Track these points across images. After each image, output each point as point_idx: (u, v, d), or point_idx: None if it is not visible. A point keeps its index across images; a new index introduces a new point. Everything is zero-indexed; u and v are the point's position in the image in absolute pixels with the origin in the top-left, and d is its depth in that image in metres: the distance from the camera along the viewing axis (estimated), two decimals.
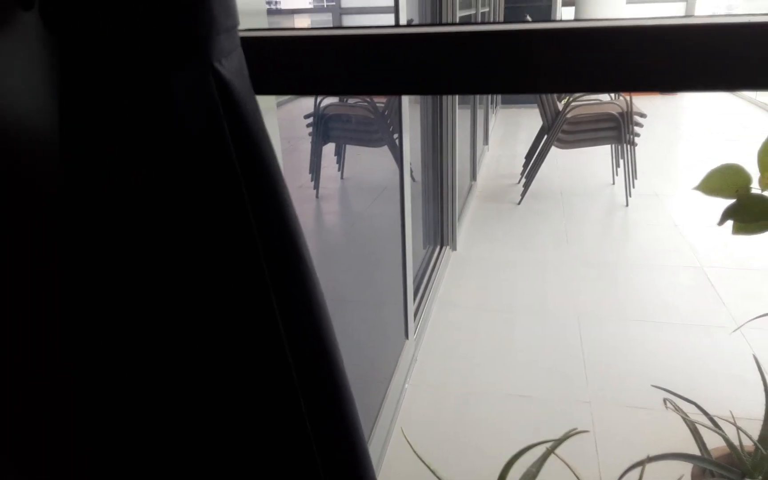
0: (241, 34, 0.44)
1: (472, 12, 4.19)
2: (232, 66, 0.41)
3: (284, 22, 2.18)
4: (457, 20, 3.04)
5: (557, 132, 4.14)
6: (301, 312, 0.46)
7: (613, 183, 4.59)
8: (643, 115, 4.22)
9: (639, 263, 3.29)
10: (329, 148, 2.33)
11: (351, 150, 2.39)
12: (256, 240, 0.42)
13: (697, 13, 7.38)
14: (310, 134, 2.34)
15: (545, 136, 4.29)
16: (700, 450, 1.48)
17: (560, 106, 4.24)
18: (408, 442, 1.97)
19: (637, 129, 4.16)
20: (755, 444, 1.43)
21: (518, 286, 3.08)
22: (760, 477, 1.38)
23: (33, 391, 0.43)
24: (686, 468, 1.62)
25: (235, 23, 0.41)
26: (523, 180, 4.48)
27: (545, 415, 2.13)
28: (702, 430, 1.49)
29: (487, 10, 4.98)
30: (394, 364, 2.22)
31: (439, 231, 3.38)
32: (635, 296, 2.93)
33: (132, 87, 0.37)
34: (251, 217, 0.41)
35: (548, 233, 3.74)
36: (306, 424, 0.46)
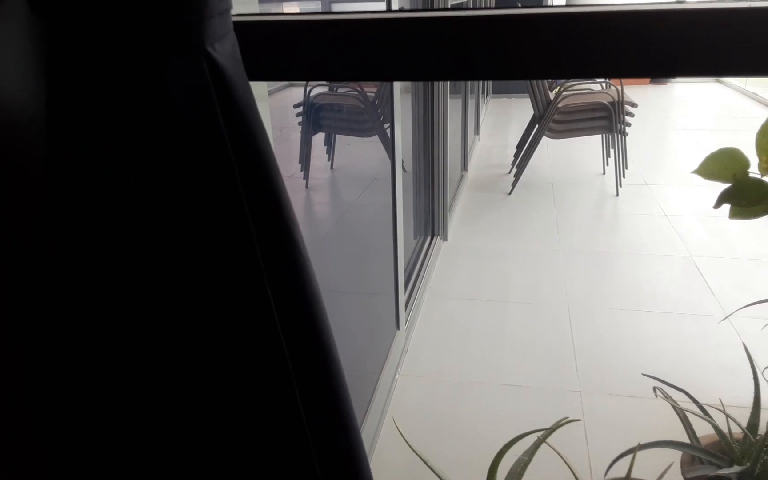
0: (233, 18, 0.43)
1: (464, 1, 4.17)
2: (225, 50, 0.40)
3: (273, 8, 2.16)
4: (449, 6, 3.03)
5: (548, 121, 4.14)
6: (296, 300, 0.45)
7: (604, 173, 4.60)
8: (634, 105, 4.23)
9: (629, 253, 3.31)
10: (319, 138, 2.32)
11: (341, 140, 2.37)
12: (251, 227, 0.41)
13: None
14: (299, 124, 2.33)
15: (536, 126, 4.29)
16: (690, 438, 1.49)
17: (551, 95, 4.24)
18: (400, 432, 1.97)
19: (627, 119, 4.17)
20: (744, 431, 1.44)
21: (509, 276, 3.09)
22: (749, 463, 1.39)
23: (20, 391, 0.42)
24: (676, 455, 1.63)
25: (228, 6, 0.40)
26: (514, 170, 4.48)
27: (536, 405, 2.14)
28: (691, 418, 1.51)
29: None
30: (385, 355, 2.22)
31: (430, 221, 3.38)
32: (625, 285, 2.95)
33: (122, 71, 0.36)
34: (245, 203, 0.41)
35: (539, 223, 3.75)
36: (301, 413, 0.46)
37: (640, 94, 7.40)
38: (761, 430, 1.47)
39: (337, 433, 0.50)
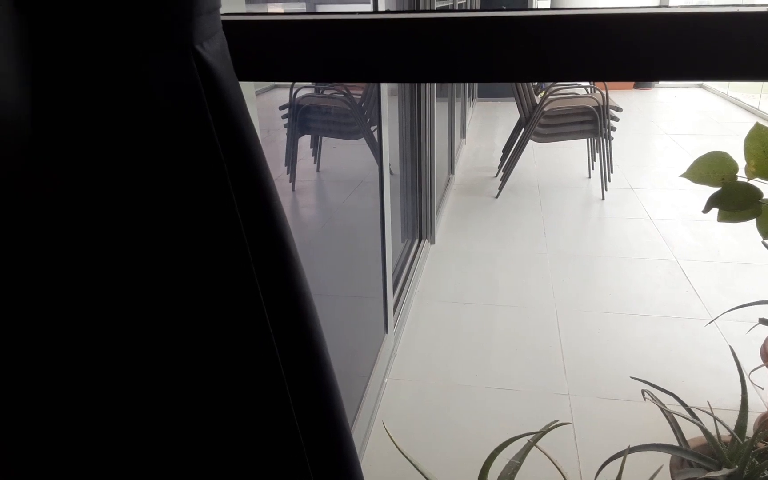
0: (222, 17, 0.42)
1: (450, 3, 4.18)
2: (214, 49, 0.39)
3: (257, 10, 2.15)
4: (435, 8, 3.03)
5: (534, 125, 4.16)
6: (287, 300, 0.44)
7: (590, 176, 4.63)
8: (619, 109, 4.26)
9: (615, 256, 3.33)
10: (305, 140, 2.31)
11: (327, 142, 2.36)
12: (241, 227, 0.40)
13: (671, 4, 7.50)
14: (285, 126, 2.32)
15: (522, 130, 4.30)
16: (679, 440, 1.50)
17: (537, 99, 4.26)
18: (389, 435, 1.96)
19: (612, 123, 4.20)
20: (732, 434, 1.45)
21: (496, 279, 3.09)
22: (737, 466, 1.40)
23: (4, 391, 0.41)
24: (665, 459, 1.63)
25: (217, 5, 0.40)
26: (501, 173, 4.49)
27: (525, 408, 2.14)
28: (680, 421, 1.51)
29: (463, 1, 4.98)
30: (374, 358, 2.21)
31: (418, 224, 3.38)
32: (612, 289, 2.96)
33: (109, 67, 0.35)
34: (235, 204, 0.40)
35: (526, 226, 3.76)
36: (293, 415, 0.45)
37: (624, 98, 7.47)
38: (749, 432, 1.47)
39: (329, 435, 0.50)
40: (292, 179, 2.13)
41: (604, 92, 4.17)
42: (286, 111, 2.36)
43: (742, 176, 0.96)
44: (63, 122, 0.37)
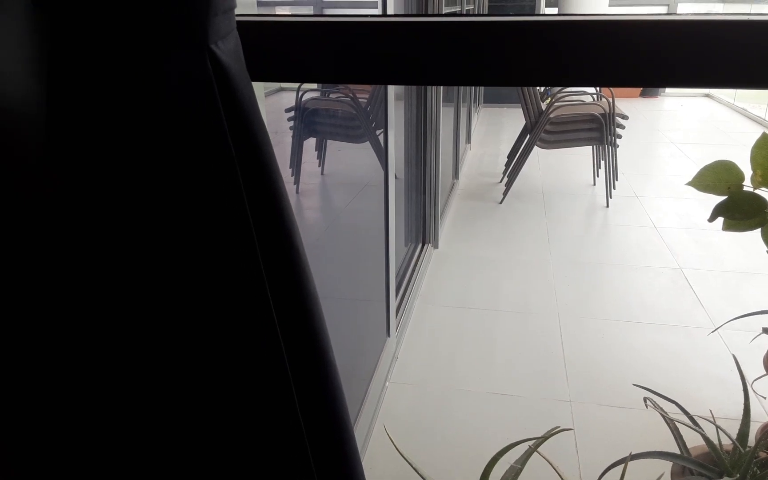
0: (236, 18, 0.43)
1: (457, 8, 4.19)
2: (229, 48, 0.40)
3: (264, 11, 2.16)
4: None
5: (540, 131, 4.16)
6: (294, 300, 0.45)
7: (594, 184, 4.63)
8: (624, 117, 4.26)
9: (619, 264, 3.32)
10: (310, 143, 2.31)
11: (332, 145, 2.37)
12: (251, 226, 0.41)
13: (679, 10, 7.48)
14: (291, 128, 2.32)
15: (528, 136, 4.31)
16: (680, 448, 1.50)
17: (543, 105, 4.26)
18: (390, 439, 1.96)
19: (618, 131, 4.20)
20: (734, 442, 1.45)
21: (499, 285, 3.09)
22: (738, 475, 1.40)
23: (19, 389, 0.42)
24: (666, 466, 1.63)
25: (233, 5, 0.40)
26: (505, 179, 4.50)
27: (526, 414, 2.13)
28: (682, 429, 1.51)
29: (471, 7, 4.99)
30: (376, 362, 2.21)
31: (421, 229, 3.38)
32: (615, 296, 2.96)
33: (126, 67, 0.36)
34: (246, 203, 0.40)
35: (530, 233, 3.76)
36: (298, 414, 0.45)
37: (630, 106, 7.46)
38: (751, 441, 1.47)
39: (333, 435, 0.50)
40: (297, 181, 2.13)
41: (610, 100, 4.17)
42: (292, 113, 2.37)
43: (748, 186, 0.96)
44: (78, 119, 0.37)
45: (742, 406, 1.50)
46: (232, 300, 0.41)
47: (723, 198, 0.96)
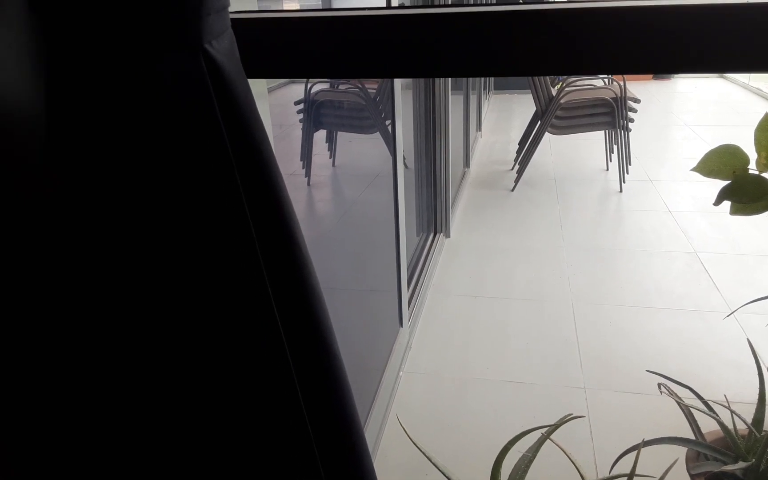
0: (231, 15, 0.43)
1: None
2: (223, 47, 0.40)
3: (273, 5, 2.16)
4: (450, 2, 3.02)
5: (551, 117, 4.13)
6: (297, 297, 0.45)
7: (607, 169, 4.59)
8: (637, 100, 4.22)
9: (633, 249, 3.30)
10: (320, 135, 2.32)
11: (342, 136, 2.37)
12: (250, 225, 0.41)
13: None
14: (300, 121, 2.33)
15: (539, 122, 4.28)
16: (695, 434, 1.49)
17: (554, 91, 4.23)
18: (404, 429, 1.97)
19: (630, 114, 4.15)
20: (749, 427, 1.44)
21: (512, 273, 3.08)
22: (754, 459, 1.39)
23: (21, 390, 0.42)
24: (681, 452, 1.62)
25: (226, 4, 0.40)
26: (517, 166, 4.47)
27: (540, 401, 2.13)
28: (696, 414, 1.50)
29: None
30: (389, 352, 2.22)
31: (433, 218, 3.38)
32: (629, 282, 2.94)
33: (120, 69, 0.36)
34: (244, 202, 0.40)
35: (542, 219, 3.75)
36: (303, 413, 0.45)
37: (643, 89, 7.38)
38: (766, 426, 1.46)
39: (340, 431, 0.50)
40: (308, 174, 2.14)
41: (621, 83, 4.13)
42: (302, 106, 2.37)
43: (753, 169, 0.95)
44: (76, 122, 0.38)
45: (757, 391, 1.49)
46: (232, 298, 0.42)
47: (729, 182, 0.95)
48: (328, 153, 2.35)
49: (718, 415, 1.46)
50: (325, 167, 2.20)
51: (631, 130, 4.24)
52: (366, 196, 2.26)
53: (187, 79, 0.38)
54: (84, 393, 0.42)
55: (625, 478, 1.25)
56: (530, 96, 4.34)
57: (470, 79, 4.56)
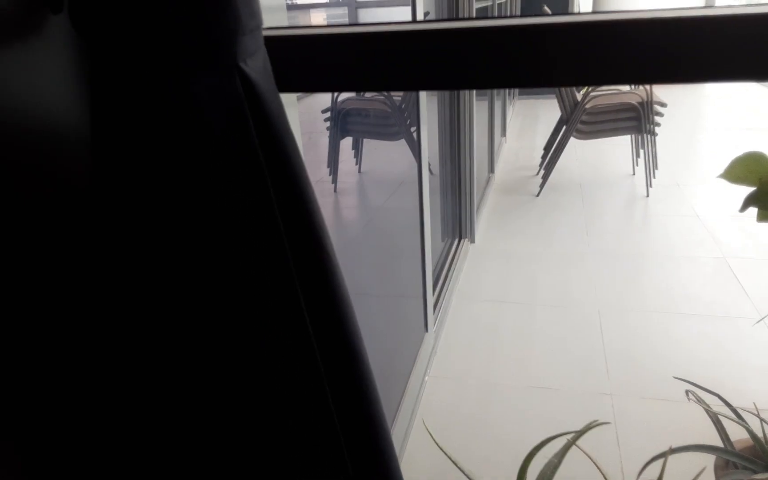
0: (264, 32, 0.45)
1: (489, 3, 4.16)
2: (257, 65, 0.42)
3: (300, 17, 2.19)
4: (474, 12, 3.03)
5: (576, 123, 4.11)
6: (326, 306, 0.46)
7: (634, 173, 4.54)
8: (663, 105, 4.18)
9: (660, 254, 3.26)
10: (347, 143, 2.34)
11: (368, 144, 2.39)
12: (283, 236, 0.43)
13: (717, 4, 7.25)
14: (327, 129, 2.35)
15: (564, 127, 4.25)
16: (723, 442, 1.47)
17: (579, 96, 4.20)
18: (430, 433, 1.98)
19: (657, 119, 4.11)
20: None
21: (538, 279, 3.07)
22: None
23: (63, 388, 0.44)
24: (709, 460, 1.61)
25: (259, 24, 0.42)
26: (542, 172, 4.45)
27: (566, 407, 2.12)
28: (725, 422, 1.48)
29: (503, 0, 4.94)
30: (414, 357, 2.23)
31: (458, 224, 3.38)
32: (657, 287, 2.91)
33: (160, 88, 0.38)
34: (277, 214, 0.42)
35: (568, 225, 3.72)
36: (333, 416, 0.47)
37: (670, 92, 7.28)
38: None
39: (368, 434, 0.51)
40: (335, 181, 2.16)
41: (648, 88, 4.09)
42: (329, 114, 2.40)
43: None
44: (119, 137, 0.40)
45: None
46: (265, 305, 0.43)
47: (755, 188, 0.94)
48: (354, 160, 2.37)
49: (747, 423, 1.45)
50: (351, 174, 2.22)
51: (657, 135, 4.19)
52: (391, 203, 2.28)
53: (223, 96, 0.40)
54: (121, 389, 0.45)
55: None
56: (555, 101, 4.31)
57: None
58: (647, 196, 4.10)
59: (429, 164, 2.28)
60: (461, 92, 3.05)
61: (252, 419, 0.45)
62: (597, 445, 1.88)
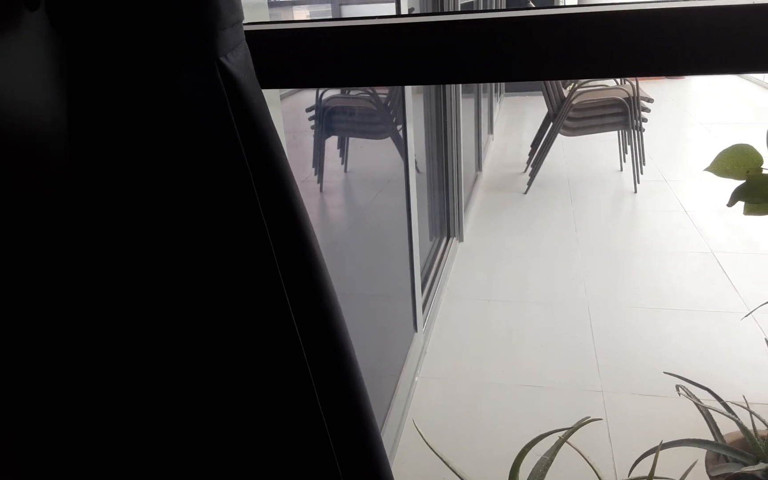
0: (245, 27, 0.43)
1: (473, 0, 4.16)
2: (238, 60, 0.41)
3: (283, 13, 2.17)
4: (459, 7, 3.02)
5: (563, 119, 4.12)
6: (312, 300, 0.45)
7: (621, 169, 4.57)
8: (650, 100, 4.19)
9: (648, 250, 3.28)
10: (332, 141, 2.32)
11: (354, 143, 2.38)
12: (266, 232, 0.42)
13: None
14: (312, 128, 2.34)
15: (551, 124, 4.26)
16: (714, 435, 1.47)
17: (566, 92, 4.21)
18: (420, 433, 1.97)
19: (644, 114, 4.13)
20: None
21: (527, 276, 3.07)
22: None
23: (45, 388, 0.43)
24: (700, 454, 1.61)
25: (240, 18, 0.41)
26: (530, 169, 4.46)
27: (557, 405, 2.12)
28: (715, 416, 1.48)
29: None
30: (404, 357, 2.22)
31: (446, 222, 3.37)
32: (645, 283, 2.92)
33: (140, 82, 0.37)
34: (260, 209, 0.41)
35: (556, 222, 3.73)
36: (321, 416, 0.46)
37: (656, 88, 7.33)
38: None
39: (358, 436, 0.51)
40: (320, 180, 2.14)
41: (634, 83, 4.10)
42: (313, 113, 2.38)
43: (767, 168, 0.94)
44: (97, 132, 0.38)
45: None
46: (249, 303, 0.42)
47: (743, 182, 0.94)
48: (340, 159, 2.36)
49: (737, 416, 1.45)
50: (337, 173, 2.20)
51: (644, 130, 4.21)
52: (378, 202, 2.26)
53: (204, 91, 0.39)
54: (105, 392, 0.43)
55: None
56: (542, 98, 4.32)
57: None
58: (635, 191, 4.12)
59: (416, 162, 2.27)
60: (447, 89, 3.04)
61: (237, 420, 0.44)
62: (589, 442, 1.88)
